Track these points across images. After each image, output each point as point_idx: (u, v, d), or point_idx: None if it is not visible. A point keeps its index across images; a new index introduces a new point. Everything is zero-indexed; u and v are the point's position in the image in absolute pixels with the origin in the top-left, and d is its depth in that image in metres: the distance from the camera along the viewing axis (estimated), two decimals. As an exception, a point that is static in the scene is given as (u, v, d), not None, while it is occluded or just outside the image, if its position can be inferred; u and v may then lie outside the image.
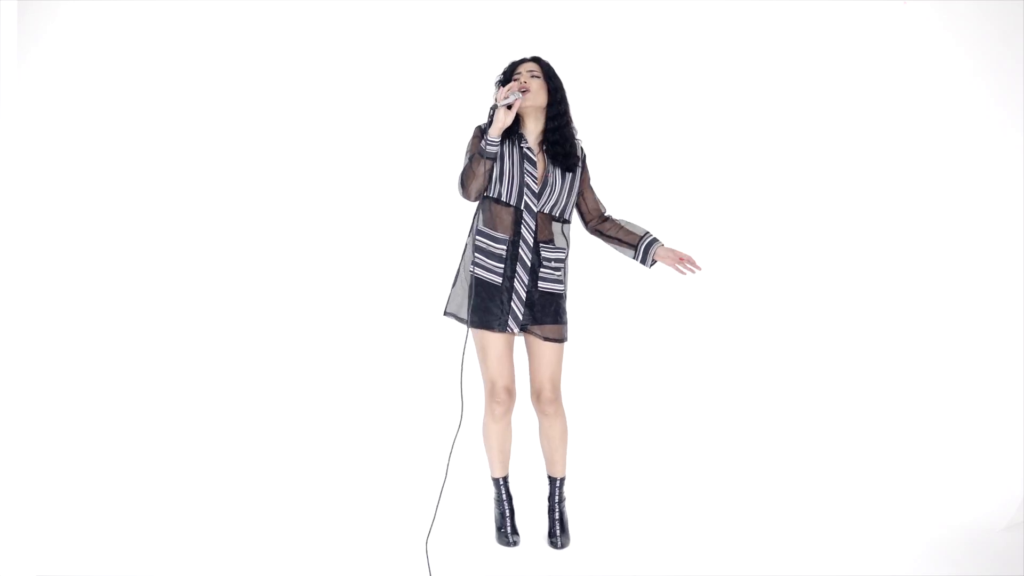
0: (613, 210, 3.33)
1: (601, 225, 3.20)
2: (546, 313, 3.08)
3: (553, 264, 3.09)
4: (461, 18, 4.46)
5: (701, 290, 4.41)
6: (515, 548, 3.19)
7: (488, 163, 3.00)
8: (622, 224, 3.19)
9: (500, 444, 3.21)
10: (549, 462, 3.25)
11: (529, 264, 3.06)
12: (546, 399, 3.15)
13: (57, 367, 4.20)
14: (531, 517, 3.37)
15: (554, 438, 3.21)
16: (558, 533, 3.20)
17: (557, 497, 3.24)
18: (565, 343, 3.15)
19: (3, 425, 3.84)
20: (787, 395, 4.26)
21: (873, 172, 4.18)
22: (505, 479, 3.25)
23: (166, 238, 4.43)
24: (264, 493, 3.71)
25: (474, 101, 3.30)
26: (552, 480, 3.25)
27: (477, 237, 3.09)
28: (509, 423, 3.21)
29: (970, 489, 3.62)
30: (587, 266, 3.84)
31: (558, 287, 3.11)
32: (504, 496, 3.25)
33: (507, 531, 3.22)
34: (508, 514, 3.24)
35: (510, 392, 3.15)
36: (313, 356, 4.50)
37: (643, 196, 4.38)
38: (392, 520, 3.39)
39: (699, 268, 3.09)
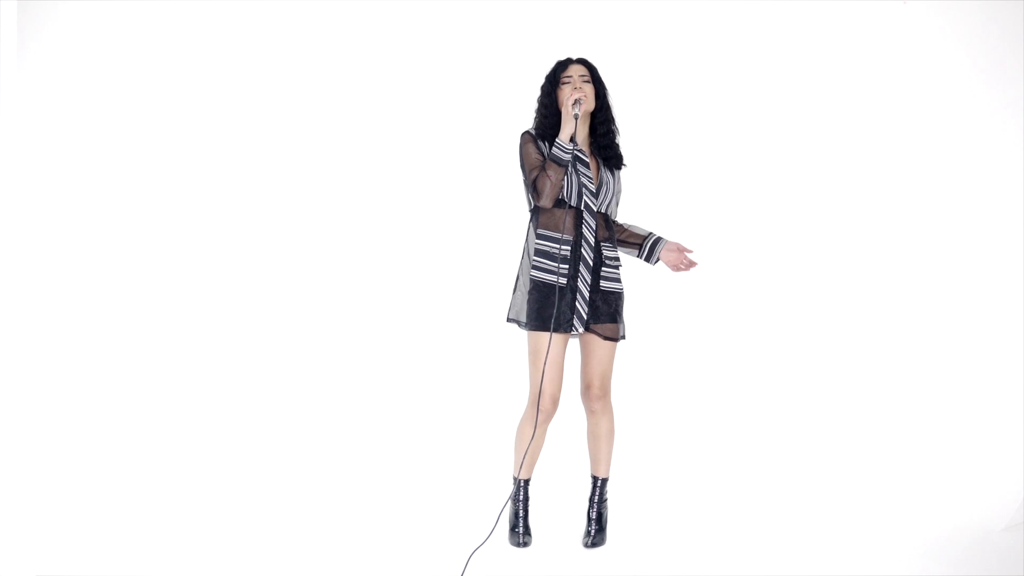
0: (624, 211, 3.35)
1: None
2: (606, 312, 3.11)
3: (614, 263, 3.13)
4: (492, 17, 4.44)
5: (699, 290, 4.41)
6: (526, 549, 3.19)
7: (563, 169, 3.01)
8: (626, 226, 3.27)
9: (533, 449, 3.18)
10: (594, 461, 3.26)
11: (592, 264, 3.08)
12: (595, 395, 3.16)
13: (57, 367, 4.19)
14: (545, 519, 3.37)
15: (600, 436, 3.21)
16: (592, 532, 3.21)
17: (597, 497, 3.24)
18: (620, 342, 3.17)
19: (3, 425, 3.83)
20: (787, 395, 4.26)
21: (873, 172, 4.18)
22: (527, 482, 3.25)
23: (167, 238, 4.42)
24: (266, 493, 3.72)
25: (496, 103, 3.30)
26: (595, 479, 3.25)
27: (537, 241, 3.10)
28: (545, 431, 3.18)
29: (970, 489, 3.62)
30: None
31: (618, 286, 3.14)
32: (521, 496, 3.25)
33: (520, 531, 3.22)
34: (522, 514, 3.24)
35: (555, 401, 3.11)
36: (362, 362, 4.46)
37: (646, 196, 4.39)
38: (429, 527, 3.37)
39: (695, 264, 3.19)
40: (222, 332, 4.44)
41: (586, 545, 3.19)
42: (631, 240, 3.24)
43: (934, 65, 4.01)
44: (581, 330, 3.08)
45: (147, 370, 4.33)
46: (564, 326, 3.06)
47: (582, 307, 3.07)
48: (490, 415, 4.11)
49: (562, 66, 3.14)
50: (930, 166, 4.03)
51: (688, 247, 3.22)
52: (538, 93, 3.18)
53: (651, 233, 3.25)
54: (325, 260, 4.50)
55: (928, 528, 3.41)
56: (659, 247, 3.22)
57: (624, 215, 3.33)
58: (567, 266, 3.06)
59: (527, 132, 3.14)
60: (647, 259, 3.23)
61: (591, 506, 3.25)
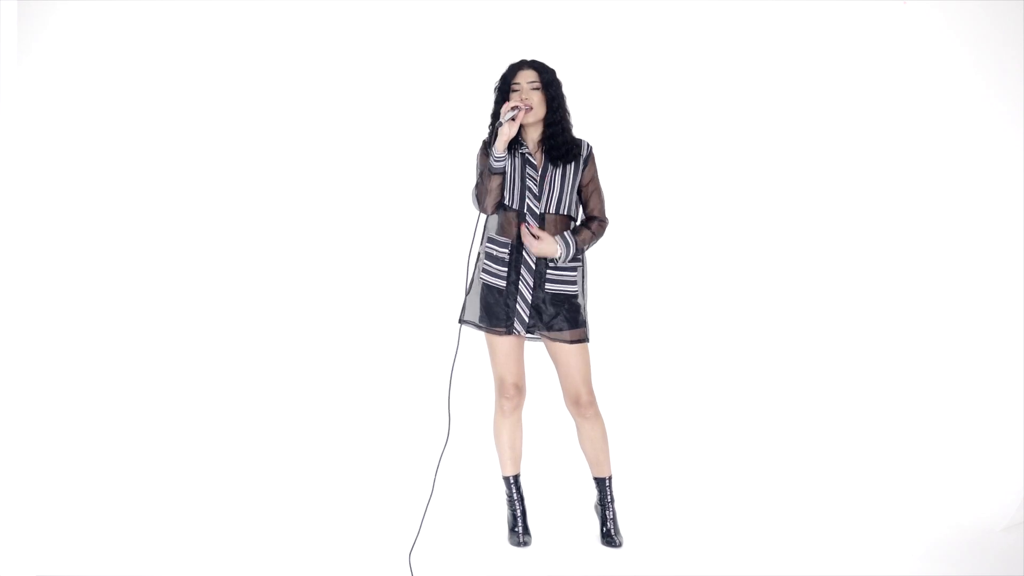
0: (615, 212, 3.33)
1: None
2: (558, 316, 3.10)
3: (563, 264, 3.10)
4: (468, 18, 4.44)
5: (699, 289, 4.41)
6: (526, 549, 3.19)
7: (498, 177, 3.06)
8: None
9: (510, 440, 3.23)
10: (595, 464, 3.25)
11: (533, 267, 3.09)
12: (585, 403, 3.16)
13: (57, 367, 4.20)
14: (545, 519, 3.38)
15: (597, 440, 3.21)
16: (614, 532, 3.21)
17: (609, 497, 3.25)
18: (587, 344, 3.15)
19: (3, 425, 3.83)
20: (787, 395, 4.26)
21: (873, 172, 4.18)
22: (516, 477, 3.26)
23: (167, 238, 4.42)
24: (263, 496, 3.72)
25: (480, 103, 3.30)
26: (601, 481, 3.25)
27: (487, 244, 3.17)
28: (519, 420, 3.24)
29: (970, 489, 3.62)
30: (609, 267, 3.85)
31: (569, 288, 3.12)
32: (515, 495, 3.26)
33: (519, 531, 3.22)
34: (520, 514, 3.25)
35: (519, 388, 3.19)
36: (313, 362, 4.46)
37: (644, 197, 4.39)
38: (378, 531, 3.35)
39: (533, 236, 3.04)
40: (219, 332, 4.44)
41: (611, 545, 3.19)
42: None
43: (934, 65, 4.00)
44: (522, 333, 3.10)
45: (146, 370, 4.33)
46: (508, 328, 3.10)
47: (523, 310, 3.09)
48: (478, 415, 4.11)
49: (512, 71, 3.12)
50: (930, 166, 4.03)
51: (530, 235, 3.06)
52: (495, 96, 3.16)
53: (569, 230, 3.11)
54: (319, 260, 4.50)
55: (928, 528, 3.41)
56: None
57: (625, 213, 3.32)
58: (506, 269, 3.10)
59: (483, 141, 3.17)
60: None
61: (605, 508, 3.24)
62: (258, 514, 3.48)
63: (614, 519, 3.23)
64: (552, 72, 3.13)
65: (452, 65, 4.43)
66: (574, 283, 3.13)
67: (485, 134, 3.18)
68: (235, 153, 4.47)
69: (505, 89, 3.10)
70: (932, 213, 4.02)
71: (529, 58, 3.15)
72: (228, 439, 4.17)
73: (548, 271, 3.09)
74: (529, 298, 3.09)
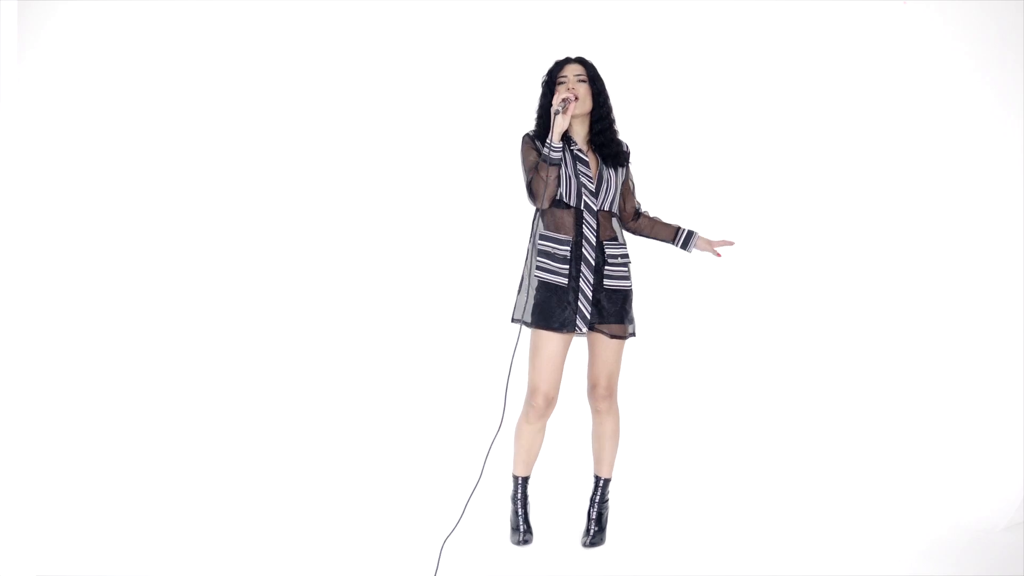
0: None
1: (635, 223, 3.31)
2: (612, 311, 3.12)
3: (619, 260, 3.14)
4: (497, 17, 4.43)
5: (696, 291, 4.41)
6: (526, 548, 3.19)
7: (555, 168, 3.02)
8: (655, 220, 3.32)
9: (528, 446, 3.23)
10: (597, 461, 3.28)
11: (593, 263, 3.09)
12: (600, 395, 3.18)
13: (57, 367, 4.19)
14: (549, 518, 3.38)
15: (604, 436, 3.24)
16: (592, 532, 3.23)
17: (599, 497, 3.26)
18: (627, 341, 3.19)
19: (3, 425, 3.83)
20: (788, 395, 4.26)
21: (873, 172, 4.18)
22: (525, 479, 3.27)
23: (168, 238, 4.42)
24: (271, 492, 3.71)
25: (518, 102, 3.32)
26: (597, 479, 3.27)
27: (540, 241, 3.12)
28: (542, 428, 3.22)
29: (970, 489, 3.63)
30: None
31: (625, 284, 3.15)
32: (520, 495, 3.26)
33: (521, 531, 3.23)
34: (522, 514, 3.26)
35: (548, 400, 3.12)
36: (354, 359, 4.45)
37: (649, 197, 4.39)
38: (414, 520, 3.39)
39: (730, 243, 3.28)
40: (223, 332, 4.43)
41: (584, 544, 3.20)
42: (662, 235, 3.30)
43: (934, 65, 4.01)
44: (585, 329, 3.10)
45: (147, 370, 4.32)
46: (568, 326, 3.07)
47: (584, 307, 3.08)
48: (490, 414, 4.11)
49: (558, 66, 3.14)
50: (930, 166, 4.03)
51: (718, 247, 3.29)
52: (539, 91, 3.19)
53: (681, 227, 3.30)
54: (327, 260, 4.49)
55: (928, 528, 3.41)
56: (693, 240, 3.27)
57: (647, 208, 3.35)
58: (567, 266, 3.07)
59: (526, 135, 3.15)
60: (683, 248, 3.29)
61: (592, 506, 3.27)
62: (257, 512, 3.48)
63: (598, 519, 3.25)
64: (595, 68, 3.16)
65: (495, 64, 4.39)
66: (628, 278, 3.16)
67: (522, 130, 3.18)
68: (238, 154, 4.46)
69: (552, 83, 3.12)
70: (932, 214, 4.02)
71: (574, 55, 3.18)
72: (229, 437, 4.16)
73: (607, 267, 3.11)
74: (590, 295, 3.09)
